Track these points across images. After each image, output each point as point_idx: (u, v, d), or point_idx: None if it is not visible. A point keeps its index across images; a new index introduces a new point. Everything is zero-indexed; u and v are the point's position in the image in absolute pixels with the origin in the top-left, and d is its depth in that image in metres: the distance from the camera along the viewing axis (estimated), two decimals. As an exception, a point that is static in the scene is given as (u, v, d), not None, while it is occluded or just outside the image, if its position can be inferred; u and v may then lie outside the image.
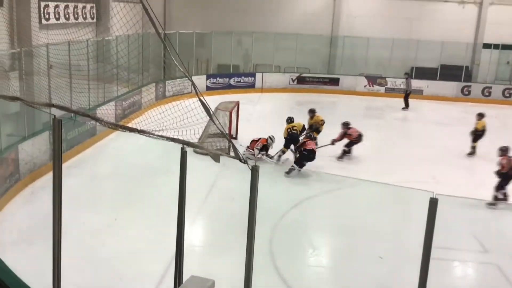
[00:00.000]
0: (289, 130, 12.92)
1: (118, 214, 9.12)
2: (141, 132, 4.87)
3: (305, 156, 11.85)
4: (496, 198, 10.29)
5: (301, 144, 12.30)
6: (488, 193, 10.37)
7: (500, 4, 24.27)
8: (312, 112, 14.58)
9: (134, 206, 9.47)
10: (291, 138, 12.78)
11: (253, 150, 12.69)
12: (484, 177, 12.05)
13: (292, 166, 12.10)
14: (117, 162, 12.17)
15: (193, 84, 4.51)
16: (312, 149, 11.96)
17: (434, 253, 4.98)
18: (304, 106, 16.62)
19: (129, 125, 11.93)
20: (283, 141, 12.86)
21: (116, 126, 5.99)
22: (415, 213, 8.77)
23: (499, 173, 10.48)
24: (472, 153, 14.22)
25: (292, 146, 12.82)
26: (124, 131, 5.71)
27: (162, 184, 10.36)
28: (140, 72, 17.43)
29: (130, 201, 9.72)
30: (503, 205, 10.20)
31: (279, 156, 12.97)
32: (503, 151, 10.86)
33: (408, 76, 21.64)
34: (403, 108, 20.71)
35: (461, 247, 8.66)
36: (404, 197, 8.90)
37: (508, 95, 23.42)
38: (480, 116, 14.88)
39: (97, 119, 7.11)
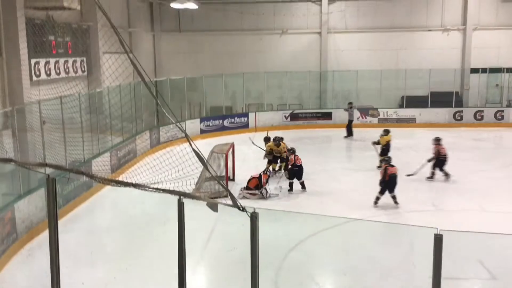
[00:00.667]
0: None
1: (118, 269, 8.94)
2: (136, 186, 4.82)
3: (295, 171, 13.27)
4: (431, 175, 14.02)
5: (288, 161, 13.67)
6: (493, 218, 10.30)
7: (483, 29, 24.78)
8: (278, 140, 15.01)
9: (134, 259, 9.30)
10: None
11: (252, 189, 12.91)
12: (483, 201, 12.01)
13: (290, 182, 13.42)
14: (115, 214, 12.04)
15: (186, 135, 4.50)
16: (301, 164, 13.30)
17: (443, 284, 4.89)
18: (298, 142, 16.68)
19: (126, 174, 11.87)
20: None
21: (111, 181, 5.94)
22: (420, 246, 8.68)
23: (432, 159, 14.03)
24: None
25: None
26: (119, 186, 5.65)
27: (161, 233, 10.22)
28: (134, 120, 17.50)
29: (129, 254, 9.55)
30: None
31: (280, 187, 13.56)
32: (436, 140, 14.02)
33: (352, 105, 21.87)
34: (345, 137, 21.01)
35: (469, 276, 8.52)
36: (408, 232, 8.80)
37: (500, 117, 23.59)
38: (386, 132, 16.27)
39: (91, 176, 7.07)
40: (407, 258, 8.95)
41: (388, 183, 11.96)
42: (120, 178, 12.03)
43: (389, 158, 12.83)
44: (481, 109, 23.96)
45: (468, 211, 11.52)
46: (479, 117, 23.72)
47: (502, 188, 13.63)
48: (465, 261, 8.58)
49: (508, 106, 24.32)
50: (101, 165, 13.65)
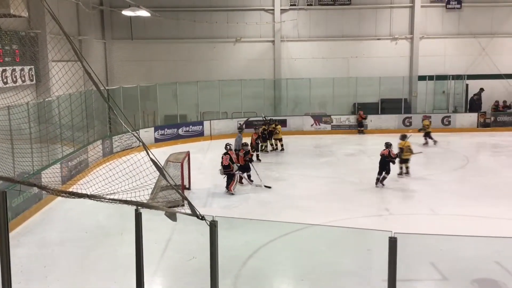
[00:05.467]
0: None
1: (73, 282, 8.67)
2: (91, 197, 4.71)
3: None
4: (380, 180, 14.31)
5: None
6: (444, 221, 10.66)
7: (429, 38, 25.73)
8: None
9: (89, 273, 9.04)
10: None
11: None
12: (435, 205, 12.41)
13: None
14: (67, 227, 11.67)
15: (143, 144, 4.44)
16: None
17: (398, 286, 5.02)
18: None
19: (78, 185, 11.55)
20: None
21: (66, 193, 5.77)
22: (375, 250, 8.87)
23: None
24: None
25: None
26: (73, 198, 5.50)
27: (117, 244, 10.01)
28: (85, 130, 17.08)
29: (84, 268, 9.29)
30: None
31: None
32: (387, 146, 14.46)
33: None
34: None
35: (423, 277, 8.76)
36: (363, 235, 8.97)
37: (447, 122, 24.50)
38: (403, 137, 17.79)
39: (43, 188, 6.84)
40: (363, 261, 9.11)
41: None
42: (72, 189, 11.71)
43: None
44: (428, 115, 24.75)
45: (419, 214, 11.87)
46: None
47: (451, 191, 14.14)
48: (418, 263, 8.83)
49: (454, 112, 25.32)
50: (51, 177, 13.21)
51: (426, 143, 20.49)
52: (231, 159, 13.95)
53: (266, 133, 19.51)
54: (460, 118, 24.42)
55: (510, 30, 25.89)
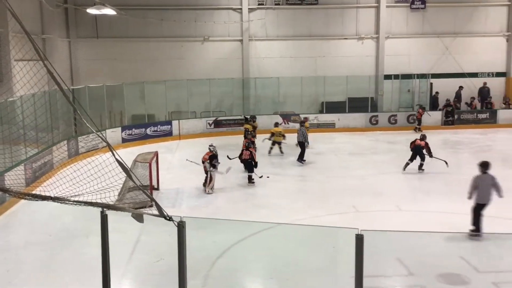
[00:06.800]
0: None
1: (38, 286, 8.48)
2: (56, 199, 4.61)
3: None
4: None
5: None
6: (410, 217, 10.87)
7: (394, 37, 26.18)
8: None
9: (55, 276, 8.86)
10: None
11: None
12: (400, 201, 12.65)
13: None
14: (31, 230, 11.40)
15: (108, 145, 4.37)
16: (244, 158, 14.63)
17: (365, 282, 5.10)
18: (223, 149, 16.69)
19: (42, 187, 11.31)
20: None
21: (29, 196, 5.64)
22: (343, 247, 8.97)
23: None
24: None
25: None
26: (37, 200, 5.38)
27: (83, 248, 9.84)
28: (50, 130, 16.72)
29: (50, 271, 9.09)
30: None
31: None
32: (423, 138, 15.65)
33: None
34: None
35: (389, 273, 8.91)
36: (331, 233, 9.06)
37: (412, 121, 24.98)
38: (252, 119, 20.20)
39: (6, 190, 6.66)
40: (331, 259, 9.21)
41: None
42: (37, 191, 11.45)
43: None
44: (394, 113, 25.27)
45: (386, 211, 12.06)
46: (393, 121, 25.01)
47: (416, 188, 14.45)
48: (385, 260, 8.97)
49: (419, 110, 25.83)
50: (14, 178, 12.87)
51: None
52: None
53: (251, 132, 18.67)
54: (425, 116, 24.93)
55: (473, 30, 26.59)
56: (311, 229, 9.00)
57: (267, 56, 25.75)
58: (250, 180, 14.71)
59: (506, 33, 26.75)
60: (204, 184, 13.92)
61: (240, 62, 25.76)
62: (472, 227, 10.17)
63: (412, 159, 15.65)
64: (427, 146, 15.65)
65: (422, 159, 15.61)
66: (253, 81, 25.44)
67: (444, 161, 15.68)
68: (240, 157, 15.02)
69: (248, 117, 21.24)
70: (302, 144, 17.66)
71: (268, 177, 15.07)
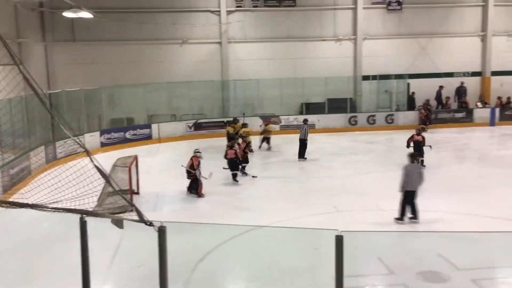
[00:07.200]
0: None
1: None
2: (34, 207, 4.55)
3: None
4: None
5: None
6: (389, 218, 11.00)
7: (371, 38, 26.46)
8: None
9: (33, 284, 8.73)
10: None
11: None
12: (380, 201, 12.77)
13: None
14: (9, 237, 11.21)
15: (86, 150, 4.34)
16: (230, 157, 14.84)
17: (346, 282, 5.14)
18: (204, 152, 16.61)
19: (19, 194, 11.13)
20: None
21: (5, 203, 5.55)
22: (323, 248, 9.03)
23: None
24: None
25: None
26: (14, 208, 5.30)
27: (62, 252, 9.71)
28: (27, 136, 16.47)
29: (28, 279, 8.95)
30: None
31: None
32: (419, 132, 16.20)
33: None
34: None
35: (370, 272, 8.99)
36: (311, 234, 9.11)
37: (390, 121, 25.29)
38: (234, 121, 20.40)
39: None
40: (312, 260, 9.26)
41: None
42: (14, 198, 11.27)
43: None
44: (373, 113, 25.54)
45: (366, 211, 12.17)
46: (372, 121, 25.27)
47: (395, 188, 14.56)
48: (365, 259, 9.05)
49: (397, 110, 26.15)
50: (-9, 186, 12.70)
51: (268, 148, 20.22)
52: (193, 164, 13.82)
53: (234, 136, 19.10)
54: (403, 116, 25.24)
55: (448, 30, 27.03)
56: (292, 231, 9.03)
57: (246, 58, 25.78)
58: (235, 178, 14.95)
59: (481, 33, 27.25)
60: (189, 189, 13.84)
61: (219, 64, 25.74)
62: (410, 215, 11.13)
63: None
64: (423, 140, 16.18)
65: (422, 154, 15.72)
66: (233, 83, 25.45)
67: (429, 145, 16.69)
68: (225, 156, 15.19)
69: (237, 119, 21.40)
70: (304, 142, 18.18)
71: (255, 176, 15.41)
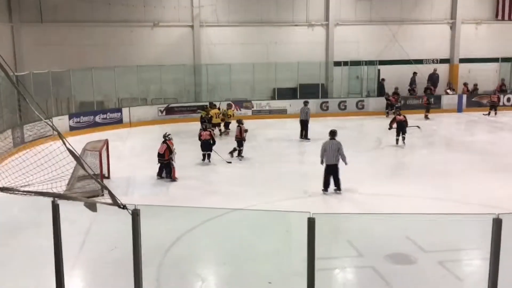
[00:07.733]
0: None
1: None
2: (3, 190, 4.49)
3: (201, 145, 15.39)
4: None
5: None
6: (360, 200, 11.19)
7: (343, 24, 26.61)
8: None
9: (3, 269, 8.60)
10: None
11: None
12: (350, 185, 12.99)
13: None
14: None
15: (59, 133, 4.28)
16: (204, 138, 15.28)
17: (317, 264, 5.26)
18: (176, 136, 16.55)
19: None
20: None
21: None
22: (295, 231, 9.16)
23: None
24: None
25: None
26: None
27: (33, 238, 9.59)
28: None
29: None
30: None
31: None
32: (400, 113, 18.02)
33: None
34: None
35: (340, 255, 9.18)
36: (283, 217, 9.23)
37: (361, 106, 25.59)
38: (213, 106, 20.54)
39: None
40: (284, 243, 9.39)
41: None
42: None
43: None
44: (344, 99, 25.80)
45: (336, 195, 12.37)
46: (343, 107, 25.53)
47: (366, 172, 14.83)
48: (336, 242, 9.24)
49: (368, 96, 26.46)
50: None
51: (226, 133, 20.47)
52: (168, 147, 13.74)
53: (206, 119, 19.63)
54: (373, 102, 25.55)
55: (418, 17, 27.37)
56: (264, 214, 9.12)
57: (219, 42, 25.60)
58: (208, 158, 15.34)
59: (450, 21, 27.70)
60: (159, 174, 13.80)
61: (191, 48, 25.50)
62: (334, 187, 12.27)
63: (398, 134, 17.55)
64: (406, 120, 17.53)
65: (404, 132, 17.46)
66: (205, 68, 25.27)
67: (417, 126, 18.48)
68: (199, 138, 15.42)
69: (214, 103, 21.41)
70: (306, 123, 18.92)
71: (229, 162, 15.57)
